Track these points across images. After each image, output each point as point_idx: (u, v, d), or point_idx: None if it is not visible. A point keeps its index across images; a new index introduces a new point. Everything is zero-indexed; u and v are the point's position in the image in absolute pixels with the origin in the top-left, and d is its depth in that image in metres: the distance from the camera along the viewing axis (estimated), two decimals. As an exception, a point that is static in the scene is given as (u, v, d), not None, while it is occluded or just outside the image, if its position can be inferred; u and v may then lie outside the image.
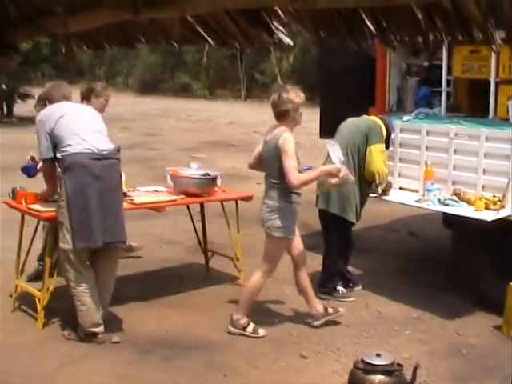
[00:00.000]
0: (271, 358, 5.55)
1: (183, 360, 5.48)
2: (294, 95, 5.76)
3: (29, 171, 6.99)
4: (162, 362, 5.46)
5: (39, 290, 6.14)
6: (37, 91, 24.56)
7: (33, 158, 6.94)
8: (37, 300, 6.11)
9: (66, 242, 5.68)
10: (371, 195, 6.93)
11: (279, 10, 2.29)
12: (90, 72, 50.04)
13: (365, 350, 5.56)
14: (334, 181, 5.86)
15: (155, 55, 45.80)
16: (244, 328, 5.96)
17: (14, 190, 6.59)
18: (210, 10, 2.25)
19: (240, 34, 2.46)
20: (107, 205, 5.67)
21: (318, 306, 6.18)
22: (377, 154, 6.62)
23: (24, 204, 6.27)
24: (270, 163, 5.82)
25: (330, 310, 6.20)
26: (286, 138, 5.70)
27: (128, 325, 6.14)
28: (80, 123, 5.76)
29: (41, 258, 7.20)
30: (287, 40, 2.43)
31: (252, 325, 5.98)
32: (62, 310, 6.27)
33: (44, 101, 6.19)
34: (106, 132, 5.94)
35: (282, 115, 5.80)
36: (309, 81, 39.77)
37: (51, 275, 6.13)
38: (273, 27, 2.37)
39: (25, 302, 6.49)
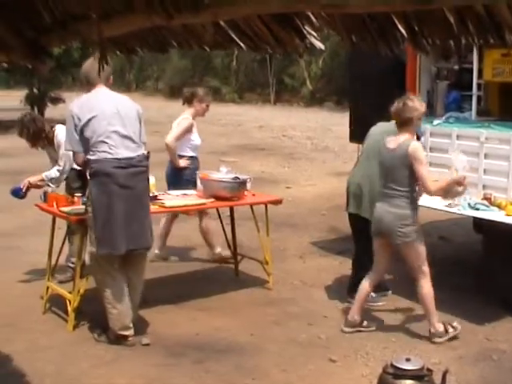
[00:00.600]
0: (300, 362, 5.55)
1: (213, 363, 5.49)
2: (419, 104, 5.88)
3: (17, 193, 7.11)
4: (192, 365, 5.47)
5: (70, 292, 6.18)
6: (67, 95, 24.77)
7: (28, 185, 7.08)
8: (67, 302, 6.15)
9: (94, 246, 5.73)
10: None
11: (311, 15, 2.31)
12: (120, 76, 50.34)
13: (394, 354, 5.54)
14: (460, 188, 5.92)
15: (185, 60, 45.97)
16: (446, 332, 5.96)
17: (45, 193, 6.67)
18: (243, 14, 2.27)
19: (272, 38, 2.48)
20: (132, 212, 5.68)
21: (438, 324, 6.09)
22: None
23: (55, 207, 6.32)
24: (398, 171, 5.84)
25: (450, 329, 6.12)
26: (416, 146, 5.80)
27: (158, 327, 6.17)
28: (111, 127, 5.65)
29: (70, 261, 7.28)
30: (319, 44, 2.43)
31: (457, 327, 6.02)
32: (93, 312, 6.31)
33: (83, 80, 5.98)
34: (138, 132, 5.84)
35: (406, 123, 5.88)
36: (338, 85, 39.74)
37: (82, 277, 6.18)
38: (305, 32, 2.38)
39: (56, 303, 6.54)
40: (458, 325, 6.04)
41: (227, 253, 8.04)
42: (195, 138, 7.98)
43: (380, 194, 6.01)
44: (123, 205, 5.60)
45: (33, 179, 7.10)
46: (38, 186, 7.13)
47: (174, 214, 8.01)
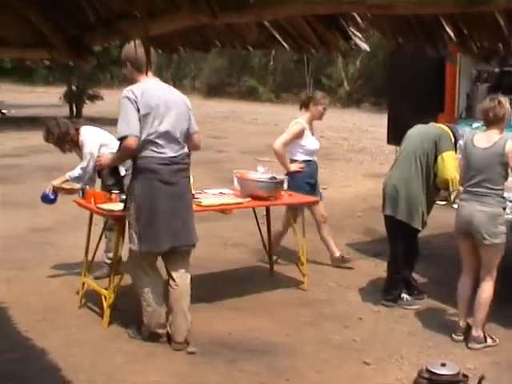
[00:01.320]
0: (334, 364, 5.53)
1: (246, 363, 5.49)
2: (508, 104, 5.94)
3: (46, 198, 7.16)
4: (225, 364, 5.47)
5: (106, 288, 6.22)
6: (105, 93, 24.96)
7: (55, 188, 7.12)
8: (103, 298, 6.19)
9: (133, 243, 5.70)
10: (439, 203, 6.86)
11: (357, 16, 2.29)
12: (158, 74, 50.54)
13: (429, 359, 5.50)
14: None
15: (222, 59, 46.04)
16: (485, 340, 5.93)
17: (83, 190, 6.72)
18: (288, 14, 2.26)
19: (316, 39, 2.47)
20: (175, 210, 5.67)
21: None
22: (450, 161, 6.53)
23: (93, 203, 6.36)
24: (491, 170, 5.81)
25: (489, 340, 6.03)
26: None
27: (192, 326, 6.17)
28: (162, 128, 5.57)
29: (106, 257, 7.33)
30: (364, 46, 2.41)
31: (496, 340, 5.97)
32: (128, 309, 6.35)
33: (126, 63, 5.79)
34: (184, 131, 5.77)
35: (499, 120, 5.89)
36: (375, 86, 39.60)
37: (118, 274, 6.21)
38: (350, 33, 2.36)
39: (91, 299, 6.59)
40: (496, 339, 5.97)
41: (348, 256, 8.09)
42: (309, 142, 7.84)
43: (467, 193, 5.94)
44: (167, 201, 5.59)
45: (56, 182, 7.15)
46: (66, 191, 7.19)
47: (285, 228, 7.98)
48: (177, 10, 2.32)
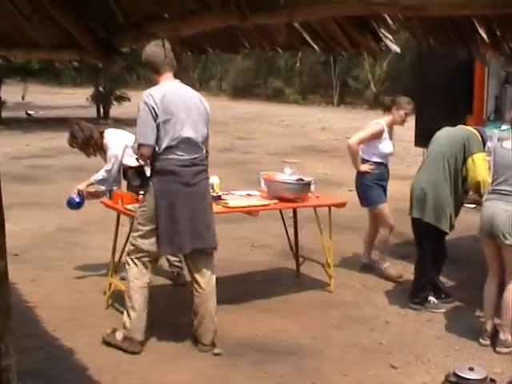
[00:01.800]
0: (361, 367, 5.51)
1: (272, 365, 5.49)
2: None
3: (72, 203, 7.16)
4: (251, 366, 5.47)
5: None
6: (132, 94, 25.01)
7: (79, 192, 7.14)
8: (130, 299, 6.21)
9: (146, 243, 5.67)
10: (468, 205, 6.82)
11: (388, 18, 2.28)
12: (185, 75, 50.74)
13: (456, 362, 5.47)
14: None
15: (248, 60, 46.09)
16: None
17: (111, 191, 6.75)
18: (319, 16, 2.25)
19: (346, 40, 2.46)
20: (196, 211, 5.64)
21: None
22: (480, 163, 6.48)
23: (120, 204, 6.39)
24: None
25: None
26: None
27: (218, 327, 6.17)
28: (184, 133, 5.55)
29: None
30: (395, 47, 2.39)
31: None
32: (154, 310, 6.37)
33: (147, 65, 5.78)
34: (205, 135, 5.76)
35: None
36: (402, 87, 39.45)
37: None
38: (380, 34, 2.35)
39: (118, 299, 6.60)
40: None
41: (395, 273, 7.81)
42: (384, 145, 7.72)
43: (492, 193, 5.89)
44: (188, 203, 5.57)
45: (81, 186, 7.18)
46: (93, 195, 7.23)
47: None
48: (207, 11, 2.32)
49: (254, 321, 6.41)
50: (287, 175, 7.13)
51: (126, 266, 5.80)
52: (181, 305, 6.65)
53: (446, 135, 6.76)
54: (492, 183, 5.93)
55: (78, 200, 7.12)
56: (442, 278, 7.16)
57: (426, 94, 8.55)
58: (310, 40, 2.57)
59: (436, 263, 6.84)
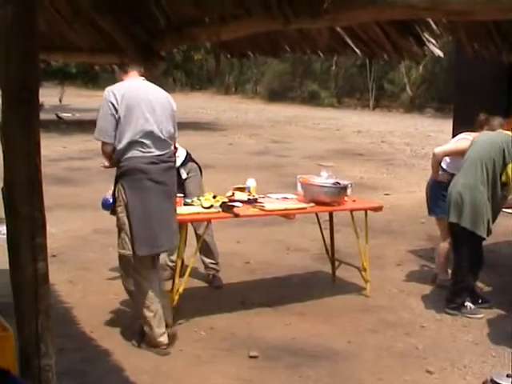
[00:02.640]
0: (396, 371, 5.47)
1: (308, 368, 5.47)
2: None
3: (107, 204, 7.16)
4: (287, 370, 5.45)
5: (169, 291, 6.26)
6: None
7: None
8: (166, 301, 6.23)
9: (127, 249, 5.57)
10: (507, 210, 6.75)
11: (432, 22, 2.27)
12: (220, 79, 50.85)
13: (492, 369, 5.42)
14: None
15: (284, 63, 46.13)
16: None
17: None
18: (362, 20, 2.25)
19: (389, 44, 2.45)
20: (167, 209, 5.61)
21: None
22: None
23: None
24: None
25: None
26: None
27: (254, 330, 6.19)
28: (148, 127, 5.46)
29: (169, 260, 7.39)
30: (438, 52, 2.39)
31: None
32: (190, 312, 6.41)
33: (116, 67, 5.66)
34: (171, 130, 5.66)
35: None
36: (438, 91, 39.27)
37: (181, 276, 6.25)
38: (424, 39, 2.34)
39: (154, 301, 6.64)
40: None
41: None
42: None
43: None
44: (159, 201, 5.50)
45: None
46: None
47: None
48: (249, 16, 2.33)
49: (289, 324, 6.40)
50: (324, 179, 7.11)
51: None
52: (216, 307, 6.68)
53: (484, 140, 6.71)
54: None
55: (112, 201, 7.14)
56: (478, 284, 7.11)
57: (463, 97, 8.49)
58: (351, 44, 2.57)
59: (473, 268, 6.78)
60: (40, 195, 2.90)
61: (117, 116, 5.36)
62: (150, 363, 5.48)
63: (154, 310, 5.63)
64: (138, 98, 5.43)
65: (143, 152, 5.44)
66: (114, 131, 5.39)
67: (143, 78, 5.55)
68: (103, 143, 5.47)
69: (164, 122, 5.57)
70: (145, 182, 5.44)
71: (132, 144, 5.41)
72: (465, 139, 7.30)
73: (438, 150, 7.49)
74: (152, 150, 5.47)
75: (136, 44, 3.12)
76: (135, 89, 5.49)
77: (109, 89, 5.45)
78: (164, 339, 5.70)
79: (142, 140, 5.42)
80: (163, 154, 5.55)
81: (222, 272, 7.51)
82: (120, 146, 5.43)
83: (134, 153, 5.43)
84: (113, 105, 5.35)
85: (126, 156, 5.45)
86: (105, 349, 5.73)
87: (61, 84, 36.82)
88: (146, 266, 5.62)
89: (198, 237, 6.95)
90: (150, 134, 5.45)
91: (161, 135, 5.52)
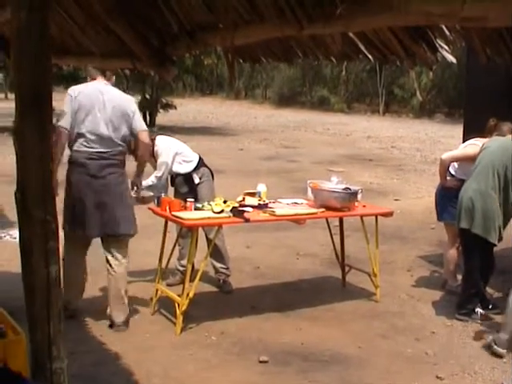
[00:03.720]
0: (407, 377, 5.46)
1: (318, 373, 5.47)
2: None
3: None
4: (296, 374, 5.46)
5: (179, 295, 6.27)
6: (178, 102, 25.13)
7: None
8: (176, 305, 6.24)
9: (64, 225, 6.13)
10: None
11: (445, 28, 2.27)
12: (230, 84, 50.89)
13: (503, 375, 5.41)
14: None
15: (294, 68, 46.15)
16: None
17: (159, 198, 6.78)
18: (375, 26, 2.25)
19: (402, 50, 2.45)
20: (104, 201, 6.06)
21: None
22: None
23: (168, 211, 6.43)
24: None
25: None
26: None
27: (264, 335, 6.19)
28: (96, 127, 6.05)
29: (180, 264, 7.41)
30: (451, 58, 2.39)
31: None
32: (200, 316, 6.41)
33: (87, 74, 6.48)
34: (121, 132, 6.16)
35: None
36: (448, 96, 39.24)
37: (191, 281, 6.26)
38: (437, 45, 2.34)
39: (164, 306, 6.65)
40: None
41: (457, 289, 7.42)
42: None
43: None
44: (95, 193, 6.04)
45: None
46: (141, 200, 7.27)
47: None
48: (262, 21, 2.34)
49: (299, 329, 6.40)
50: (334, 184, 7.12)
51: None
52: (227, 312, 6.69)
53: (496, 145, 6.70)
54: None
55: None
56: (489, 290, 7.09)
57: (473, 103, 8.48)
58: (364, 50, 2.57)
59: (484, 275, 6.77)
60: (53, 199, 2.91)
61: (71, 108, 6.04)
62: (160, 367, 5.49)
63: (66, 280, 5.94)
64: (92, 98, 6.08)
65: (87, 147, 6.05)
66: (70, 119, 6.05)
67: (106, 82, 6.24)
68: (58, 127, 6.01)
69: (114, 121, 6.10)
70: (83, 175, 6.06)
71: (79, 138, 6.05)
72: (473, 145, 7.29)
73: (446, 155, 7.47)
74: (95, 146, 6.06)
75: (148, 49, 3.13)
76: (92, 89, 6.15)
77: (73, 87, 6.27)
78: (70, 306, 6.28)
79: (88, 135, 6.04)
80: (106, 152, 6.10)
81: (232, 277, 7.52)
82: (72, 140, 6.08)
83: (79, 146, 6.07)
84: (71, 99, 6.06)
85: (73, 148, 6.10)
86: (115, 352, 5.75)
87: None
88: (67, 238, 6.24)
89: (209, 241, 6.98)
90: (96, 131, 6.04)
91: (107, 133, 6.08)
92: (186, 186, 7.20)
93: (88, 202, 6.05)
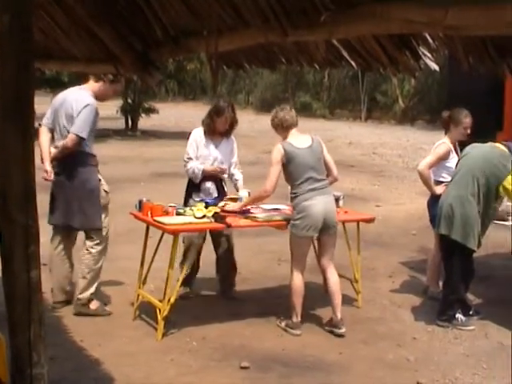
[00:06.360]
0: (388, 383, 5.48)
1: (299, 379, 5.47)
2: None
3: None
4: (278, 380, 5.46)
5: (160, 301, 6.26)
6: (160, 106, 25.06)
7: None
8: (157, 310, 6.23)
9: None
10: (498, 222, 6.77)
11: (428, 36, 2.28)
12: (213, 89, 50.81)
13: (484, 381, 5.44)
14: None
15: (276, 74, 46.15)
16: None
17: (140, 202, 6.76)
18: (359, 33, 2.26)
19: (385, 57, 2.46)
20: (68, 197, 6.67)
21: None
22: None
23: (149, 216, 6.42)
24: None
25: None
26: None
27: (245, 340, 6.19)
28: (55, 121, 6.80)
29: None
30: (434, 66, 2.40)
31: None
32: (181, 322, 6.40)
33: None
34: (63, 128, 6.72)
35: None
36: (430, 103, 39.36)
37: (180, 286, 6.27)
38: (420, 52, 2.35)
39: (145, 311, 6.64)
40: None
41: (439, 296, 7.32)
42: (453, 162, 7.29)
43: None
44: (61, 190, 6.72)
45: None
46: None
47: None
48: (246, 27, 2.34)
49: (281, 335, 6.40)
50: (316, 190, 7.10)
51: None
52: (209, 317, 6.68)
53: (476, 152, 6.73)
54: None
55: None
56: (469, 295, 7.12)
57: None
58: (347, 57, 2.58)
59: (464, 280, 6.80)
60: (34, 204, 2.90)
61: (50, 113, 6.91)
62: (141, 373, 5.48)
63: (51, 270, 6.90)
64: (60, 100, 6.86)
65: (56, 147, 6.77)
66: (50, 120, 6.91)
67: (80, 87, 6.96)
68: (41, 127, 6.81)
69: (62, 120, 6.74)
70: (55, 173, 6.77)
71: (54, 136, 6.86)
72: (442, 143, 7.36)
73: (421, 166, 7.38)
74: (57, 143, 6.74)
75: (132, 54, 3.13)
76: (65, 93, 6.93)
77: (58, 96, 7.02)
78: (61, 297, 6.90)
79: (56, 132, 6.83)
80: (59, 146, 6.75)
81: (214, 283, 7.51)
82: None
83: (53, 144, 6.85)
84: (53, 103, 6.96)
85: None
86: (95, 358, 5.73)
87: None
88: (54, 232, 6.93)
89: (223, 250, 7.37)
90: (56, 128, 6.81)
91: (59, 130, 6.79)
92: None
93: (57, 197, 6.79)
